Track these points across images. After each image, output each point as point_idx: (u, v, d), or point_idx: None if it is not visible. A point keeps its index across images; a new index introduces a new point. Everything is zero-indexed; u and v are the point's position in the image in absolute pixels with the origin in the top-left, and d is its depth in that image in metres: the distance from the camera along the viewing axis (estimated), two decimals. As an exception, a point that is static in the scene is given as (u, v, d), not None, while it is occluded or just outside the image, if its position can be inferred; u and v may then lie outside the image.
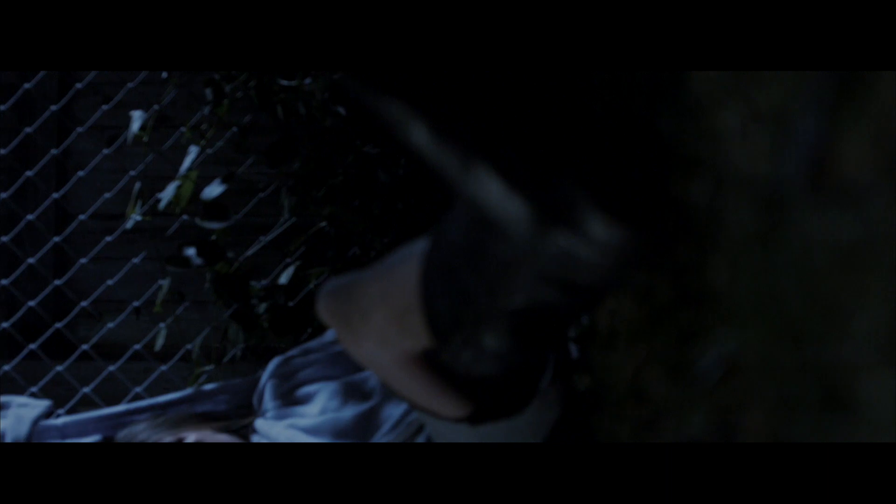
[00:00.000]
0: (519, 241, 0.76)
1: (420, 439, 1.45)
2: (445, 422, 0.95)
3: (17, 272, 2.44)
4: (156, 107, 2.26)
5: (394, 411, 1.50)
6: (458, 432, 0.96)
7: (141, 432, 1.57)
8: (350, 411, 1.52)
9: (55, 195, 2.49)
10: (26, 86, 2.47)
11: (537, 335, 0.86)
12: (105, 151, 2.39)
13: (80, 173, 2.42)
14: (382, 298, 0.89)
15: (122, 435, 1.58)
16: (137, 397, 2.29)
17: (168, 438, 1.53)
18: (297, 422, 1.53)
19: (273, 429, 1.53)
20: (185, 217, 2.29)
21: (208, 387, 1.70)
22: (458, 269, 0.83)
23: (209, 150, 2.25)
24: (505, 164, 0.73)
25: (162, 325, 2.31)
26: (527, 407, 0.95)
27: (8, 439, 1.56)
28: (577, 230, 0.73)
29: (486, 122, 0.73)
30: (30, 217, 2.43)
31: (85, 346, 2.40)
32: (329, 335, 1.66)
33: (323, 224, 2.22)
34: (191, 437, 1.52)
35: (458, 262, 0.83)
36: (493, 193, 0.74)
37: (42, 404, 1.64)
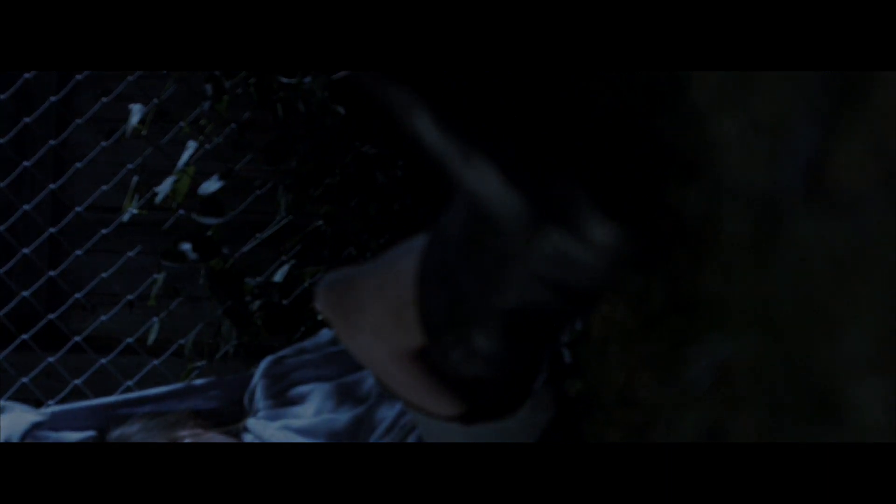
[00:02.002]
0: (514, 240, 0.76)
1: (411, 439, 1.45)
2: (437, 421, 0.95)
3: (12, 262, 2.44)
4: (155, 101, 2.26)
5: (388, 413, 1.49)
6: (450, 432, 0.96)
7: (136, 434, 1.56)
8: (345, 413, 1.51)
9: (52, 186, 2.49)
10: (26, 76, 2.46)
11: (530, 336, 0.86)
12: (103, 144, 2.39)
13: (78, 165, 2.42)
14: (380, 292, 0.89)
15: (116, 436, 1.58)
16: (129, 391, 2.29)
17: (164, 441, 1.52)
18: (290, 423, 1.52)
19: (266, 430, 1.53)
20: (181, 212, 2.28)
21: (200, 382, 1.69)
22: (454, 266, 0.83)
23: (207, 146, 2.25)
24: (503, 161, 0.73)
25: (155, 319, 2.31)
26: (519, 408, 0.95)
27: (1, 437, 1.55)
28: (573, 230, 0.73)
29: (486, 119, 0.73)
30: (26, 207, 2.43)
31: (77, 338, 2.39)
32: (323, 335, 1.66)
33: (319, 223, 2.22)
34: (187, 440, 1.51)
35: (454, 260, 0.83)
36: (491, 191, 0.74)
37: (45, 412, 1.63)
